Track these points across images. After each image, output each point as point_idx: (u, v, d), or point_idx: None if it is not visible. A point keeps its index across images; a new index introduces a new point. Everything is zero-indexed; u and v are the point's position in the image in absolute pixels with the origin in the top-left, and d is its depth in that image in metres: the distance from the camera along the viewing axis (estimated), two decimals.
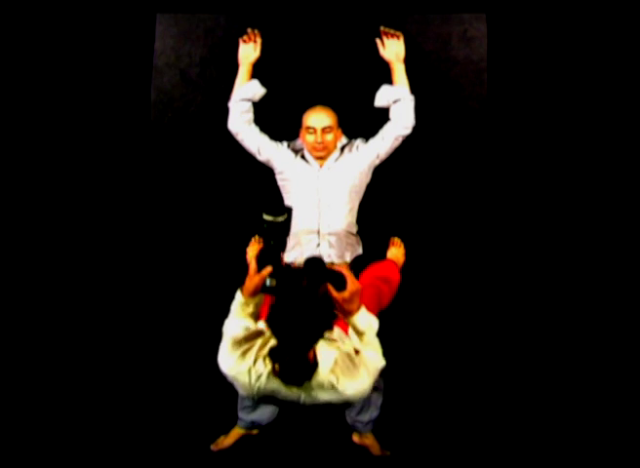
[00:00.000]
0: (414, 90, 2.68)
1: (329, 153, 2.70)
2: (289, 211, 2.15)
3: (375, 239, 2.99)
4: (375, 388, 2.57)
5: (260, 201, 2.68)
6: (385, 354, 2.61)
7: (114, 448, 2.63)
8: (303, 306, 1.75)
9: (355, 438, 2.70)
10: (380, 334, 2.08)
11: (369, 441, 2.68)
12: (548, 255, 3.41)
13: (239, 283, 2.06)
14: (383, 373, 2.57)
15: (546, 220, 3.40)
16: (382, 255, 2.85)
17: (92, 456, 2.58)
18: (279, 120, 2.98)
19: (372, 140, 2.74)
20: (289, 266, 2.07)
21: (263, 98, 2.80)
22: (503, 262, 3.44)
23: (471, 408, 2.86)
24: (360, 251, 2.84)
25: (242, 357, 1.87)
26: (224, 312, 3.09)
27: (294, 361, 1.76)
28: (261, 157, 2.78)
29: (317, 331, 1.78)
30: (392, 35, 2.65)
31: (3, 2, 3.20)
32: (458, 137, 3.42)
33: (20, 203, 3.36)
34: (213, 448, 2.69)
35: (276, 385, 1.84)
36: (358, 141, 2.79)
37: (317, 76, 3.36)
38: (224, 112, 2.78)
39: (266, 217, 2.10)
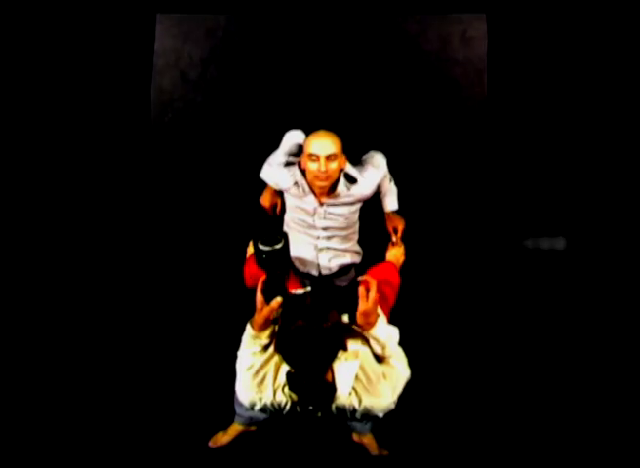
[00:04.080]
0: (414, 89, 2.67)
1: (331, 182, 2.50)
2: (285, 236, 2.05)
3: (375, 239, 2.98)
4: None
5: (255, 232, 2.61)
6: None
7: (112, 446, 2.62)
8: (312, 333, 1.71)
9: (354, 437, 2.69)
10: None
11: (367, 440, 2.67)
12: (547, 255, 3.40)
13: (238, 279, 2.05)
14: None
15: (545, 220, 3.40)
16: (382, 254, 2.84)
17: (89, 453, 2.57)
18: (278, 121, 2.98)
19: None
20: (293, 295, 1.97)
21: (263, 101, 2.78)
22: (502, 262, 3.43)
23: (471, 408, 2.85)
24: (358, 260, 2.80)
25: (259, 388, 1.86)
26: (223, 310, 3.10)
27: (310, 388, 1.74)
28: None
29: (328, 355, 1.75)
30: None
31: (3, 2, 3.21)
32: (457, 137, 3.42)
33: (20, 200, 3.36)
34: (211, 444, 2.67)
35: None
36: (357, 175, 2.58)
37: (317, 76, 3.36)
38: (224, 112, 2.77)
39: (263, 248, 1.99)
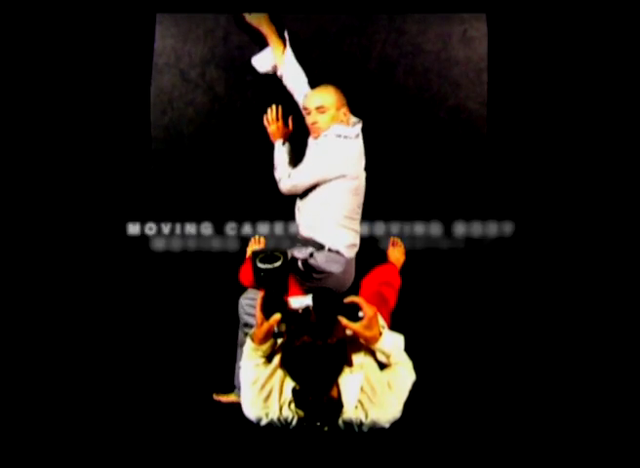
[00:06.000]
0: (413, 89, 2.66)
1: (321, 133, 2.61)
2: (284, 254, 2.07)
3: (373, 240, 2.99)
4: None
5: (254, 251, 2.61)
6: None
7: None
8: (318, 350, 1.71)
9: None
10: None
11: None
12: (545, 256, 3.40)
13: (236, 277, 2.06)
14: None
15: (545, 221, 3.40)
16: (383, 255, 2.85)
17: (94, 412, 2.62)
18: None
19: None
20: (295, 310, 1.95)
21: (263, 100, 2.78)
22: (501, 262, 3.43)
23: (471, 408, 2.85)
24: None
25: (265, 404, 1.85)
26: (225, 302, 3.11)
27: (316, 405, 1.74)
28: None
29: (334, 371, 1.76)
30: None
31: (3, 2, 3.20)
32: (457, 138, 3.42)
33: (19, 199, 3.36)
34: (215, 395, 2.73)
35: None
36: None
37: (316, 76, 3.36)
38: (224, 113, 2.76)
39: (262, 266, 2.02)
